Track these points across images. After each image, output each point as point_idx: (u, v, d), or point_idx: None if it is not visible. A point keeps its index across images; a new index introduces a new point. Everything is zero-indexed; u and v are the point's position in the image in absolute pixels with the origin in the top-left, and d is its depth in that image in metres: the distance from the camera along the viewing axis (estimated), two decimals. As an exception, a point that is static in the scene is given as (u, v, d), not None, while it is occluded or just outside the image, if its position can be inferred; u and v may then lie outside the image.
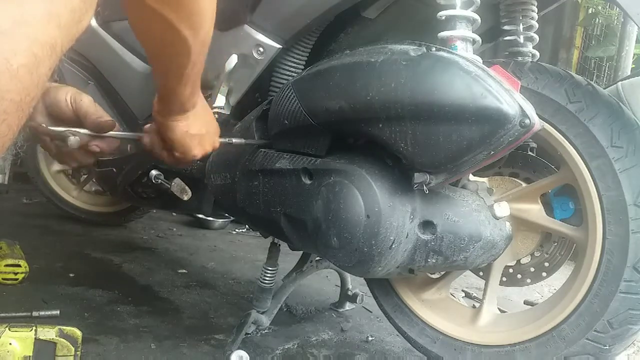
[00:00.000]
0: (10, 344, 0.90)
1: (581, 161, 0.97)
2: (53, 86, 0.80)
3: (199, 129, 0.90)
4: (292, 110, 0.99)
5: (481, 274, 1.20)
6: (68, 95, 0.79)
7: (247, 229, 2.56)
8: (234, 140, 1.04)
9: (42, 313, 1.25)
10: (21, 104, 0.43)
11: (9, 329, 0.91)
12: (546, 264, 1.15)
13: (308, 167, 1.00)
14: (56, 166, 2.17)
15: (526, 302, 1.94)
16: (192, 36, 0.71)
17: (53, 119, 0.79)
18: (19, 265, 1.45)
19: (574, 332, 0.98)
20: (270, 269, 1.28)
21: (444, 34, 0.94)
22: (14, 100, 0.42)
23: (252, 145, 1.11)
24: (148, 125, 0.93)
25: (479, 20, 0.95)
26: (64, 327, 0.95)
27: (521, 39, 1.14)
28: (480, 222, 0.96)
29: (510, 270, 1.18)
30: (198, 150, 0.92)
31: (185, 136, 0.89)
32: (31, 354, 0.91)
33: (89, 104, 0.80)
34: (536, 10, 1.14)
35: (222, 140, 0.99)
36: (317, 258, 1.35)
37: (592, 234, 0.97)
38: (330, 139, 0.99)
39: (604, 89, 1.00)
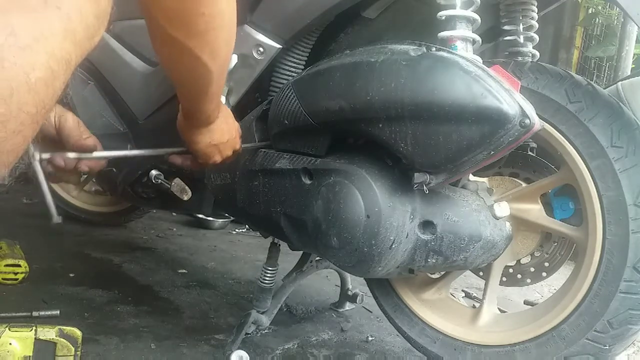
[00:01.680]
0: (10, 344, 0.90)
1: (581, 161, 0.97)
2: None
3: (220, 138, 0.94)
4: (292, 110, 0.99)
5: (481, 274, 1.20)
6: (52, 115, 0.79)
7: (247, 229, 2.55)
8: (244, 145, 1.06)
9: (42, 313, 1.25)
10: (36, 116, 0.45)
11: (9, 329, 0.91)
12: (546, 264, 1.15)
13: (308, 167, 1.00)
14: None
15: (526, 302, 1.94)
16: (211, 60, 0.76)
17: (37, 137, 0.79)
18: (19, 265, 1.45)
19: (574, 332, 0.98)
20: (270, 269, 1.28)
21: (444, 34, 0.94)
22: (30, 113, 0.44)
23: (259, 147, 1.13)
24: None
25: (479, 20, 0.95)
26: (64, 327, 0.95)
27: (521, 39, 1.14)
28: (480, 222, 0.96)
29: (510, 270, 1.18)
30: (219, 157, 0.97)
31: (208, 146, 0.93)
32: (31, 354, 0.91)
33: (72, 124, 0.80)
34: (536, 10, 1.14)
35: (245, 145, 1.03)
36: (317, 258, 1.35)
37: (592, 234, 0.97)
38: (330, 139, 0.99)
39: (604, 89, 1.00)
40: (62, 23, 0.45)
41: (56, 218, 0.77)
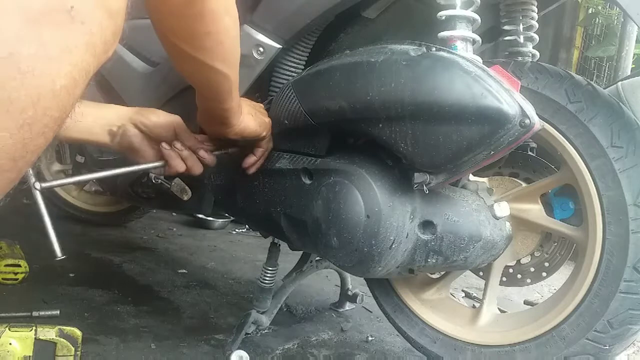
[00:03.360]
0: (10, 344, 0.90)
1: (581, 161, 0.97)
2: (141, 109, 0.97)
3: (251, 110, 1.01)
4: (292, 110, 0.99)
5: (481, 274, 1.20)
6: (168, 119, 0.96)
7: (247, 229, 2.55)
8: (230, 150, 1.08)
9: (42, 313, 1.25)
10: (58, 120, 0.50)
11: (9, 329, 0.91)
12: (546, 264, 1.15)
13: (308, 167, 1.00)
14: (56, 166, 2.16)
15: (526, 302, 1.94)
16: (225, 66, 0.84)
17: (149, 140, 0.95)
18: (19, 265, 1.45)
19: (574, 332, 0.98)
20: (270, 269, 1.28)
21: (444, 34, 0.94)
22: (54, 117, 0.49)
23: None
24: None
25: (479, 20, 0.95)
26: (64, 327, 0.95)
27: (521, 39, 1.14)
28: (480, 222, 0.96)
29: (510, 270, 1.18)
30: (267, 121, 1.03)
31: (255, 121, 1.00)
32: (31, 354, 0.91)
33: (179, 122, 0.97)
34: (536, 10, 1.14)
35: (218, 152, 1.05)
36: (317, 258, 1.35)
37: (592, 234, 0.97)
38: (330, 139, 0.99)
39: (604, 89, 1.00)
40: (85, 37, 0.49)
41: (59, 253, 0.80)
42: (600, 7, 3.58)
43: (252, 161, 1.06)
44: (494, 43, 1.25)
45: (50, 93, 0.48)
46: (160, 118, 0.96)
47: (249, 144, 1.05)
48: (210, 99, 0.92)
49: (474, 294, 1.92)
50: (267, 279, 1.28)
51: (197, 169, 0.98)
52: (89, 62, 0.51)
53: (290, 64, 1.20)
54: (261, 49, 1.14)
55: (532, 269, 1.17)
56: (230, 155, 1.08)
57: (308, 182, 1.01)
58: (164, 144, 0.94)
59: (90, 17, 0.50)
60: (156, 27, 0.78)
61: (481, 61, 0.89)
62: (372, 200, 0.90)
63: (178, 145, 0.96)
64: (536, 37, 1.15)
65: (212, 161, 1.00)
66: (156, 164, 0.95)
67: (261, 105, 1.08)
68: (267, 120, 1.03)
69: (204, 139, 1.01)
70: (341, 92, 0.90)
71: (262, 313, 1.28)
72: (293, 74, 1.19)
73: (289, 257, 1.39)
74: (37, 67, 0.47)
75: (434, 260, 0.95)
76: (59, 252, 0.78)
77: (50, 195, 2.22)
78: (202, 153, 0.98)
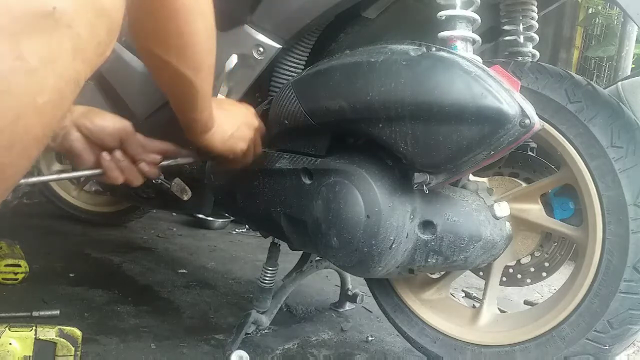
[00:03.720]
0: (10, 344, 0.90)
1: (581, 161, 0.97)
2: (88, 111, 0.88)
3: (230, 128, 0.95)
4: (292, 110, 0.99)
5: (481, 274, 1.20)
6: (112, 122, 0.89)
7: (247, 229, 2.55)
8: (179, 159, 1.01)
9: (42, 313, 1.25)
10: (43, 138, 0.45)
11: (9, 329, 0.91)
12: (546, 264, 1.15)
13: (308, 167, 1.00)
14: (56, 166, 2.17)
15: (526, 302, 1.94)
16: (193, 74, 0.79)
17: (91, 145, 0.87)
18: (19, 265, 1.45)
19: (574, 332, 0.98)
20: (270, 269, 1.28)
21: (444, 34, 0.94)
22: (37, 136, 0.44)
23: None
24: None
25: (479, 20, 0.95)
26: (64, 327, 0.95)
27: (521, 39, 1.14)
28: (480, 222, 0.96)
29: (510, 270, 1.18)
30: (241, 144, 0.98)
31: (224, 143, 0.95)
32: (31, 354, 0.91)
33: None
34: (536, 10, 1.14)
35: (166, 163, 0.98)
36: (317, 258, 1.35)
37: (592, 234, 0.97)
38: (330, 139, 0.99)
39: (604, 89, 1.00)
40: (72, 42, 0.44)
41: None
42: (600, 7, 3.57)
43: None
44: (494, 43, 1.25)
45: (31, 111, 0.42)
46: (106, 122, 0.87)
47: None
48: (175, 105, 0.87)
49: (474, 294, 1.92)
50: (267, 279, 1.28)
51: (136, 182, 0.91)
52: (78, 69, 0.45)
53: (290, 64, 1.20)
54: (261, 49, 1.14)
55: (532, 269, 1.17)
56: (181, 165, 1.04)
57: (308, 182, 1.01)
58: (104, 154, 0.88)
59: (77, 18, 0.43)
60: (130, 28, 0.73)
61: (481, 61, 0.89)
62: (372, 200, 0.90)
63: (118, 154, 0.89)
64: (536, 37, 1.15)
65: (155, 174, 0.94)
66: (93, 172, 0.89)
67: (253, 117, 1.03)
68: (249, 136, 0.99)
69: (156, 148, 0.93)
70: (341, 92, 0.90)
71: (262, 313, 1.28)
72: (293, 74, 1.19)
73: (289, 257, 1.39)
74: (15, 82, 0.40)
75: (434, 260, 0.95)
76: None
77: (50, 195, 2.22)
78: (142, 165, 0.91)
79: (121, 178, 0.90)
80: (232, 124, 0.96)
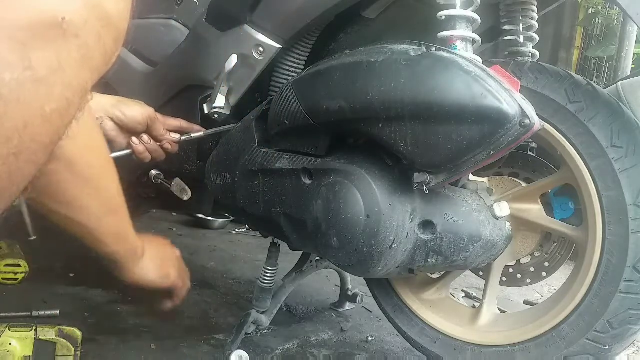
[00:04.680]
0: (10, 344, 0.90)
1: (581, 161, 0.96)
2: (117, 102, 1.04)
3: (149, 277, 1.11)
4: (292, 110, 0.99)
5: (481, 274, 1.20)
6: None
7: (247, 229, 2.55)
8: (193, 135, 1.22)
9: (42, 313, 1.25)
10: (50, 145, 0.46)
11: (9, 329, 0.91)
12: (546, 264, 1.15)
13: (308, 167, 1.00)
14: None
15: (526, 302, 1.94)
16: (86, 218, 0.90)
17: (122, 132, 1.07)
18: (19, 265, 1.45)
19: (574, 332, 0.98)
20: (270, 269, 1.28)
21: (444, 34, 0.94)
22: (44, 143, 0.45)
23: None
24: None
25: (479, 20, 0.95)
26: (64, 327, 0.95)
27: (521, 39, 1.14)
28: (480, 222, 0.96)
29: (510, 270, 1.18)
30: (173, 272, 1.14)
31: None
32: (31, 354, 0.91)
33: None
34: (536, 10, 1.14)
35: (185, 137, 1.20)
36: (317, 258, 1.35)
37: (592, 234, 0.97)
38: (330, 139, 0.99)
39: (604, 89, 1.00)
40: (79, 52, 0.44)
41: (32, 234, 0.89)
42: (600, 7, 3.57)
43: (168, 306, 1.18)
44: (494, 43, 1.25)
45: (39, 119, 0.43)
46: (136, 112, 1.04)
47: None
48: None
49: (474, 294, 1.92)
50: (267, 279, 1.28)
51: (160, 158, 1.16)
52: (85, 78, 0.46)
53: (290, 64, 1.20)
54: (261, 49, 1.14)
55: (532, 269, 1.17)
56: (195, 140, 1.23)
57: (308, 182, 1.00)
58: (133, 139, 1.09)
59: (85, 28, 0.44)
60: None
61: (481, 61, 0.89)
62: (372, 200, 0.90)
63: (145, 138, 1.08)
64: (536, 37, 1.15)
65: (175, 149, 1.19)
66: (124, 152, 1.12)
67: (177, 257, 1.20)
68: (176, 272, 1.12)
69: (173, 125, 1.15)
70: (341, 92, 0.90)
71: (262, 313, 1.28)
72: (293, 74, 1.19)
73: (289, 257, 1.39)
74: (23, 92, 0.41)
75: (434, 260, 0.95)
76: (31, 232, 0.83)
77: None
78: (166, 145, 1.14)
79: (149, 157, 1.10)
80: (158, 257, 1.09)
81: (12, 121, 0.41)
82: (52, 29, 0.42)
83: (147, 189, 1.53)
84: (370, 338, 1.44)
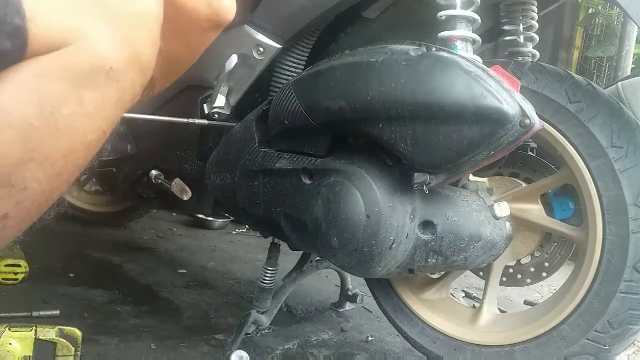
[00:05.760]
0: (10, 344, 0.90)
1: (581, 161, 0.97)
2: None
3: None
4: (292, 110, 0.99)
5: (481, 274, 1.20)
6: None
7: (247, 229, 2.55)
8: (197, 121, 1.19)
9: (42, 313, 1.25)
10: (83, 166, 0.56)
11: (9, 329, 0.91)
12: (546, 264, 1.15)
13: (308, 167, 1.00)
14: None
15: (526, 302, 1.94)
16: None
17: None
18: (19, 265, 1.45)
19: (574, 332, 0.98)
20: (270, 269, 1.28)
21: (444, 34, 0.94)
22: (80, 165, 0.55)
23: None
24: None
25: (479, 20, 0.95)
26: (64, 327, 0.95)
27: (521, 39, 1.14)
28: (480, 222, 0.96)
29: (510, 270, 1.18)
30: None
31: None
32: (31, 354, 0.91)
33: None
34: (536, 10, 1.14)
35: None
36: (317, 258, 1.35)
37: (592, 234, 0.97)
38: (330, 139, 0.99)
39: (604, 89, 1.00)
40: (117, 94, 0.54)
41: None
42: (600, 7, 3.57)
43: None
44: (494, 43, 1.25)
45: (81, 146, 0.53)
46: None
47: None
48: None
49: (474, 294, 1.92)
50: (267, 279, 1.28)
51: None
52: (117, 114, 0.56)
53: (290, 64, 1.20)
54: (261, 49, 1.14)
55: (532, 269, 1.17)
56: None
57: (308, 182, 1.00)
58: None
59: (125, 75, 0.54)
60: None
61: (481, 61, 0.89)
62: (372, 200, 0.90)
63: None
64: (536, 37, 1.15)
65: None
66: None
67: None
68: None
69: None
70: (341, 92, 0.90)
71: (262, 313, 1.28)
72: (293, 74, 1.19)
73: (289, 257, 1.39)
74: (73, 124, 0.51)
75: (434, 260, 0.95)
76: None
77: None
78: None
79: None
80: None
81: (61, 147, 0.50)
82: (101, 74, 0.51)
83: (147, 189, 1.53)
84: (370, 338, 1.45)
